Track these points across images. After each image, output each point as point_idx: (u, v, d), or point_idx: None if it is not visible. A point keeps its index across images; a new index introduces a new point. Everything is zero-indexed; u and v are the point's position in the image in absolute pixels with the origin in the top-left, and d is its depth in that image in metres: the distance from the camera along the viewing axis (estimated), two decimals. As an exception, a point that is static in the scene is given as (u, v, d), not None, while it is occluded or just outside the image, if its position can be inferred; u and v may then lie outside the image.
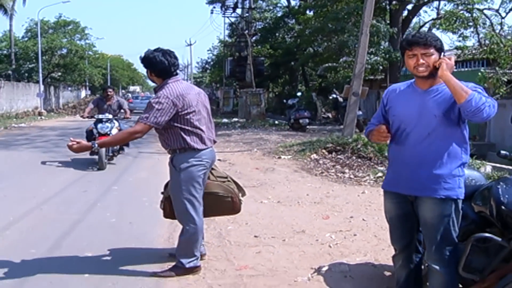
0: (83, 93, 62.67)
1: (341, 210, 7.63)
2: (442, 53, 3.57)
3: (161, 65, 4.92)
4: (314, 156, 12.92)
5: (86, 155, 10.94)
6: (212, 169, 5.28)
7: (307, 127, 20.86)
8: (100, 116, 12.17)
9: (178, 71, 5.12)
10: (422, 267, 4.14)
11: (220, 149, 15.57)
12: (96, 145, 4.92)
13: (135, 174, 11.02)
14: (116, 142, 5.15)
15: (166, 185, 5.33)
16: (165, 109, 4.72)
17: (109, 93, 12.80)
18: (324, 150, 13.24)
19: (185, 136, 4.87)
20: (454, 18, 20.54)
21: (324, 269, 5.11)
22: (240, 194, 5.41)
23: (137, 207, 7.73)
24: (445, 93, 3.51)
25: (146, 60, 4.99)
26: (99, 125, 11.91)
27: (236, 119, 28.04)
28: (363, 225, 6.71)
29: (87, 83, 59.01)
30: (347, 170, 11.08)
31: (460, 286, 3.88)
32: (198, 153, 4.90)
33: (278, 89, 41.85)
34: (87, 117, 12.46)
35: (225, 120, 28.03)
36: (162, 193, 5.40)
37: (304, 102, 26.23)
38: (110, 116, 12.23)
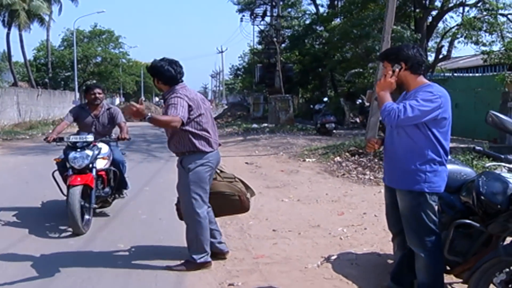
0: (117, 100, 64.05)
1: (356, 207, 8.14)
2: (396, 66, 4.11)
3: (168, 73, 5.26)
4: (337, 158, 13.40)
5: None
6: (220, 170, 5.71)
7: (334, 131, 21.25)
8: (73, 139, 7.16)
9: (183, 78, 5.43)
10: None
11: (248, 153, 16.21)
12: (149, 114, 4.79)
13: (166, 176, 11.55)
14: (160, 122, 5.00)
15: None
16: (184, 106, 5.02)
17: (97, 95, 7.79)
18: (347, 153, 13.73)
19: (194, 140, 5.20)
20: (472, 27, 20.72)
21: (333, 257, 5.66)
22: (248, 194, 5.79)
23: (167, 205, 8.22)
24: (406, 98, 4.09)
25: (154, 69, 5.33)
26: (72, 155, 6.96)
27: (265, 125, 28.53)
28: (374, 220, 7.21)
29: (121, 91, 60.29)
30: (368, 172, 11.52)
31: (448, 268, 4.38)
32: (206, 155, 5.26)
33: (308, 94, 42.26)
34: (55, 140, 7.33)
35: (254, 125, 28.54)
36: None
37: (332, 107, 26.63)
38: (90, 138, 7.20)
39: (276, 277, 5.13)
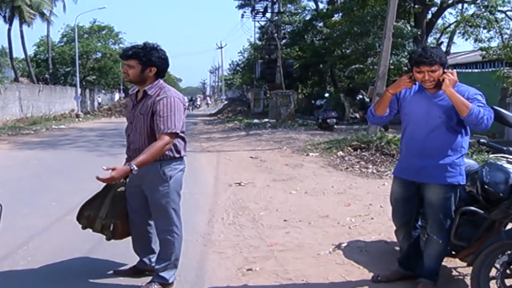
0: (116, 96, 64.22)
1: (361, 199, 8.47)
2: (446, 66, 4.26)
3: (167, 64, 4.60)
4: (340, 153, 13.71)
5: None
6: None
7: (335, 126, 21.57)
8: None
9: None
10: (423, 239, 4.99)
11: (252, 147, 16.54)
12: (135, 166, 4.16)
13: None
14: (153, 158, 4.26)
15: (88, 204, 4.87)
16: (181, 111, 4.44)
17: None
18: (349, 148, 14.03)
19: (178, 144, 4.55)
20: (470, 23, 21.05)
21: (343, 245, 5.98)
22: None
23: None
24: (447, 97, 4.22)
25: (162, 55, 4.51)
26: None
27: (266, 120, 28.80)
28: (380, 211, 7.54)
29: (121, 86, 60.48)
30: (370, 166, 11.84)
31: (453, 252, 4.73)
32: (182, 159, 4.68)
33: (307, 90, 42.58)
34: None
35: (256, 120, 28.81)
36: (84, 216, 4.86)
37: (332, 102, 26.93)
38: None
39: (291, 263, 5.44)
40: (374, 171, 11.26)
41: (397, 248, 5.70)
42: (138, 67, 4.43)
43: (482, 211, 4.37)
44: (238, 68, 57.07)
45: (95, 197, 4.90)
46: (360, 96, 24.41)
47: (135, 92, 4.66)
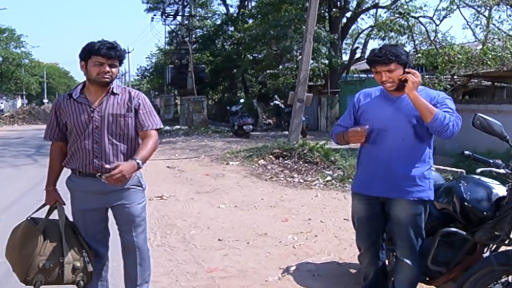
0: (19, 102, 61.32)
1: (298, 213, 7.86)
2: (408, 65, 3.70)
3: None
4: (261, 161, 13.14)
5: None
6: None
7: (251, 133, 21.12)
8: None
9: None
10: (387, 262, 4.42)
11: (167, 156, 15.68)
12: (140, 162, 3.65)
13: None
14: (152, 152, 3.85)
15: (38, 252, 3.63)
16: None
17: None
18: (271, 156, 13.48)
19: None
20: (389, 28, 21.33)
21: (292, 268, 5.32)
22: None
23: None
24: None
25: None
26: None
27: (178, 127, 28.06)
28: (322, 227, 6.96)
29: (24, 92, 57.68)
30: (295, 175, 11.33)
31: (427, 278, 4.17)
32: None
33: (218, 96, 42.04)
34: None
35: (167, 127, 27.93)
36: (39, 269, 3.62)
37: (245, 108, 26.50)
38: None
39: (237, 293, 4.75)
40: (301, 180, 10.76)
41: (353, 271, 5.18)
42: (118, 66, 3.89)
43: (464, 233, 3.82)
44: (146, 73, 55.71)
45: (44, 238, 3.70)
46: (276, 102, 24.05)
47: (81, 94, 3.87)
